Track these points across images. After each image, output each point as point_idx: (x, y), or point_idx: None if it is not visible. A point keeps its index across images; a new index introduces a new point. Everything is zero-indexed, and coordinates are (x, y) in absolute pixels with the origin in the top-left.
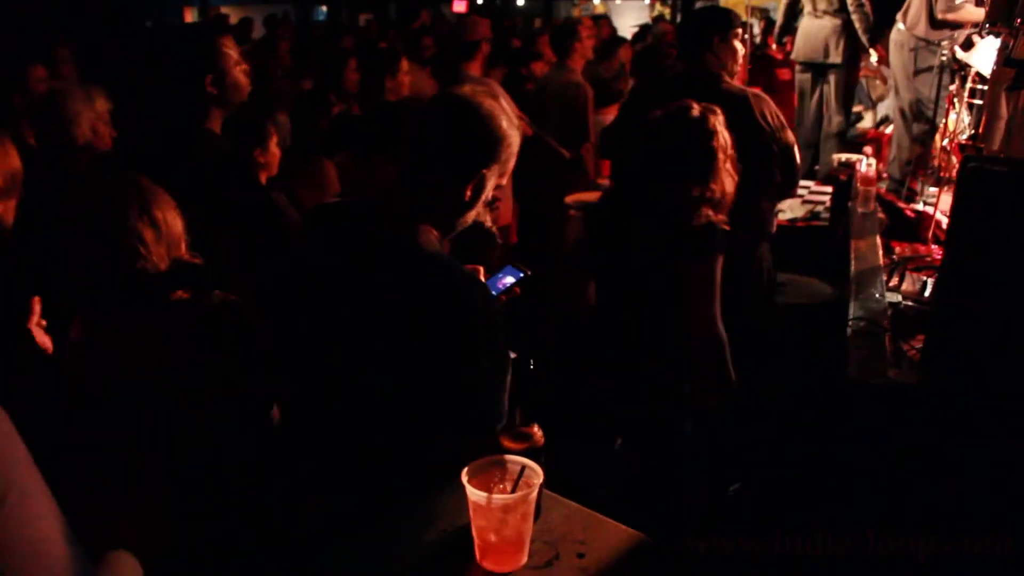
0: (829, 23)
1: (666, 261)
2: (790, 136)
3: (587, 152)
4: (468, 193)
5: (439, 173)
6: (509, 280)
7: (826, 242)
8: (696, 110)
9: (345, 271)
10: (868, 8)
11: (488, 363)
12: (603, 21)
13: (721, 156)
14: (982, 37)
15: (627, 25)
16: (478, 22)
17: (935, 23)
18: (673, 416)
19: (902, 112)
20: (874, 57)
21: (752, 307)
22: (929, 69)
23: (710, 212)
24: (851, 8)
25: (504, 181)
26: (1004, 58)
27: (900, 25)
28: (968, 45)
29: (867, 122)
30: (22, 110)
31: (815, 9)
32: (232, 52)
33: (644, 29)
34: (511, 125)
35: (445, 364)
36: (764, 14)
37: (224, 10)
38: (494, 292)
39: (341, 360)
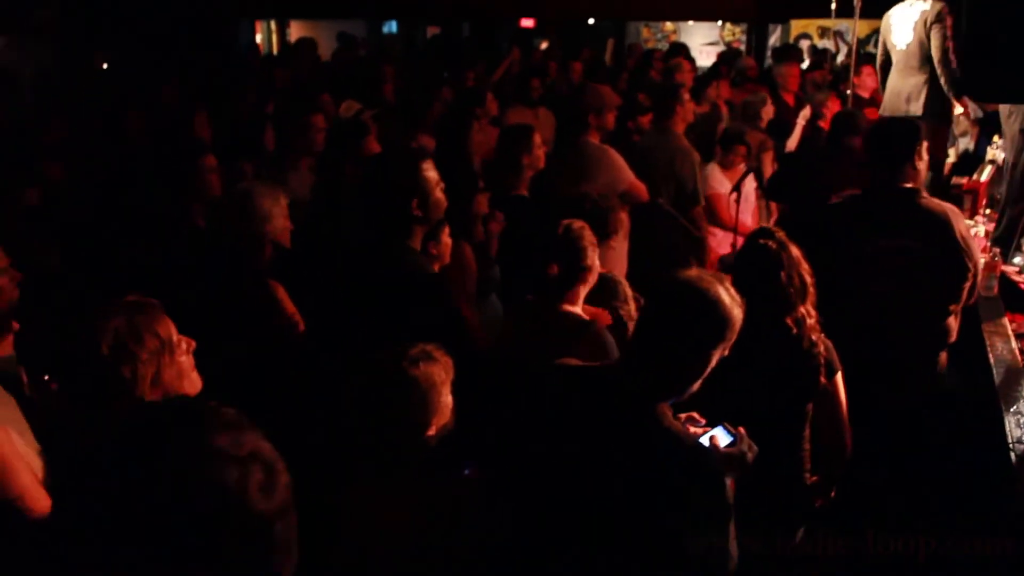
0: (913, 79)
1: None
2: (978, 252)
3: (698, 216)
4: (698, 370)
5: (677, 357)
6: (723, 442)
7: None
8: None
9: (581, 439)
10: (954, 64)
11: (715, 537)
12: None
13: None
14: None
15: (697, 44)
16: (601, 92)
17: None
18: None
19: (1014, 168)
20: (958, 110)
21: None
22: None
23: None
24: (936, 66)
25: (727, 353)
26: None
27: None
28: None
29: (950, 157)
30: (193, 197)
31: (901, 65)
32: (433, 174)
33: (722, 58)
34: (734, 304)
35: (682, 535)
36: (840, 36)
37: (293, 26)
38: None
39: (568, 525)
